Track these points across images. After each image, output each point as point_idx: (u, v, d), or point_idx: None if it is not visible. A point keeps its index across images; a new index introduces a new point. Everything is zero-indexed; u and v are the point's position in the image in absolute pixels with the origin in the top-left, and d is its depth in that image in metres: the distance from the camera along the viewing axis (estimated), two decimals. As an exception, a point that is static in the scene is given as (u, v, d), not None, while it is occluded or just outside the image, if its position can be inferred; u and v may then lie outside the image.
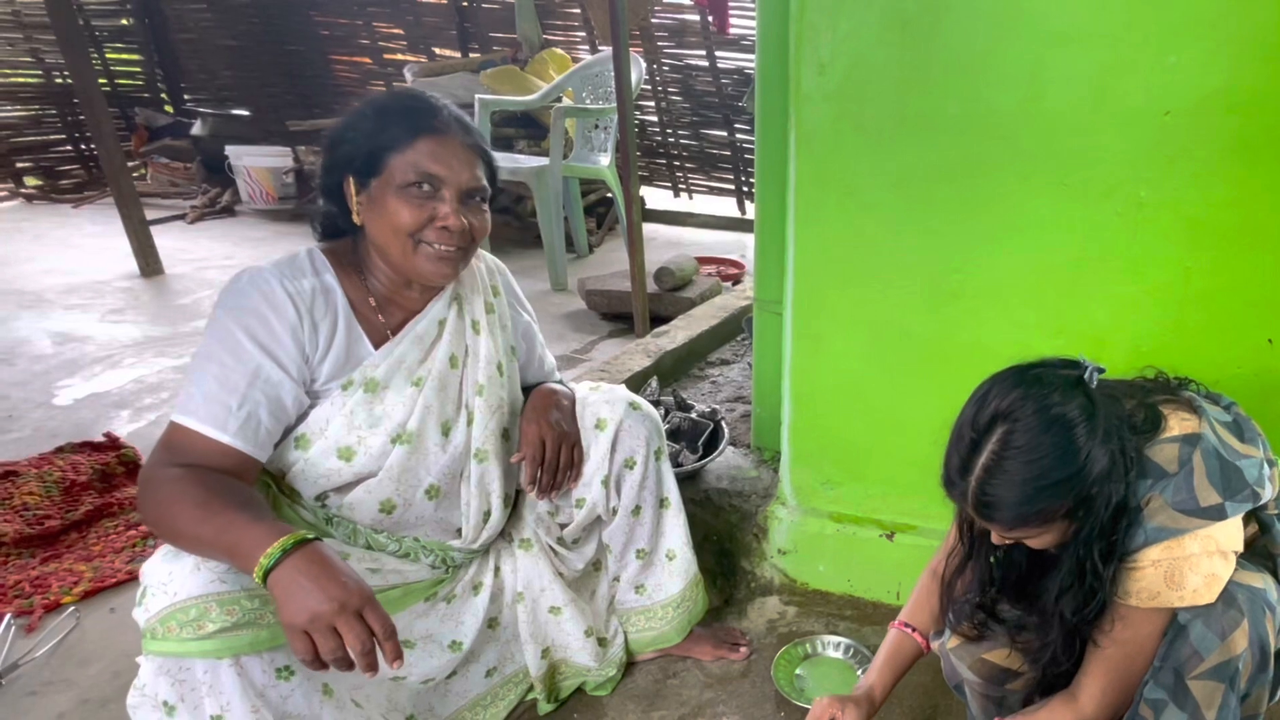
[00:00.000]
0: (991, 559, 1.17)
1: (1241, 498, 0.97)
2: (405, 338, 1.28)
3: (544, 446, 1.40)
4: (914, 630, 1.30)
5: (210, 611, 1.01)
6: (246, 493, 1.11)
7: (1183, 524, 0.96)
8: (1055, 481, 0.93)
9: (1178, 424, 1.00)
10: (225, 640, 1.02)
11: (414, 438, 1.28)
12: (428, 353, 1.31)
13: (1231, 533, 0.99)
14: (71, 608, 1.73)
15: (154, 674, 1.03)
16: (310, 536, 1.02)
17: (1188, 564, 0.97)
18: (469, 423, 1.36)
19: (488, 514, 1.41)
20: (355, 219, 1.23)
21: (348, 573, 1.01)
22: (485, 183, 1.26)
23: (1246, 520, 1.04)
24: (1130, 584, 1.01)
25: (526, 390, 1.52)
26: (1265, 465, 1.01)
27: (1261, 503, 1.01)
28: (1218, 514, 0.96)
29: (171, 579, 1.02)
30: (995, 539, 1.06)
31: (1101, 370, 1.00)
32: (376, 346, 1.27)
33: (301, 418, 1.24)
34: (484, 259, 1.46)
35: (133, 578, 1.83)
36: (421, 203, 1.19)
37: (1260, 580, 1.01)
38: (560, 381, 1.59)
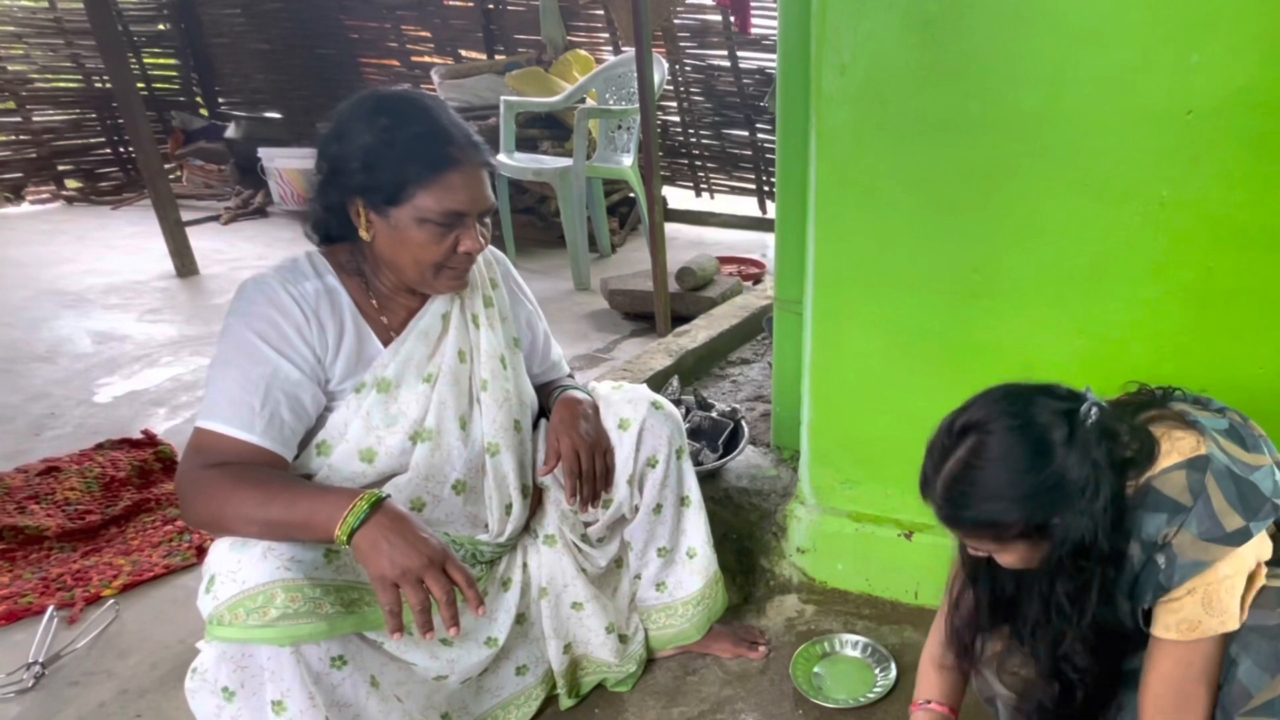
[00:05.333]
0: (981, 580, 1.18)
1: (1263, 515, 0.96)
2: (410, 335, 1.30)
3: (579, 459, 1.41)
4: (943, 705, 1.26)
5: (276, 598, 1.05)
6: (292, 474, 1.17)
7: (1213, 554, 0.96)
8: (1008, 498, 0.97)
9: (1173, 446, 0.99)
10: (287, 628, 1.06)
11: (433, 434, 1.30)
12: (435, 348, 1.33)
13: (1258, 546, 0.99)
14: (111, 600, 1.78)
15: (216, 660, 1.07)
16: (384, 495, 1.09)
17: (1223, 587, 0.97)
18: (482, 417, 1.38)
19: (509, 507, 1.43)
20: (364, 234, 1.22)
21: (426, 529, 1.09)
22: (494, 197, 1.27)
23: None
24: (1171, 619, 1.00)
25: (538, 387, 1.53)
26: (1276, 470, 1.00)
27: None
28: (1243, 536, 0.96)
29: (240, 567, 1.06)
30: (970, 550, 1.09)
31: (1103, 407, 1.02)
32: (384, 344, 1.29)
33: (320, 423, 1.26)
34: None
35: (170, 571, 1.89)
36: (446, 234, 1.21)
37: None
38: (571, 376, 1.61)
